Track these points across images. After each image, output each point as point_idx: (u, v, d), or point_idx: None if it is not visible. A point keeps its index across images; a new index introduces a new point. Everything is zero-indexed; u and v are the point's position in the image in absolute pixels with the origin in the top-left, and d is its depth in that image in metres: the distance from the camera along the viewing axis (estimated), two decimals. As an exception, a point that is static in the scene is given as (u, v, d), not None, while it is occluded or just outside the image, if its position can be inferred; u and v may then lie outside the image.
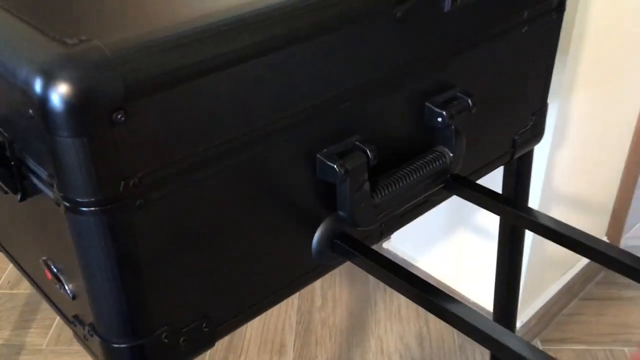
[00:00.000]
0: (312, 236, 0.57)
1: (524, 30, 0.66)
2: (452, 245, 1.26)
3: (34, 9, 0.46)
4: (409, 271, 0.55)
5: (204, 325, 0.51)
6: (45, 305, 1.35)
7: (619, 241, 1.46)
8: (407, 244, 1.36)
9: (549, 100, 0.97)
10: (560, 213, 1.16)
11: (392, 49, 0.55)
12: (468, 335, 0.52)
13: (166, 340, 0.49)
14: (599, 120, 1.13)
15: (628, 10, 1.02)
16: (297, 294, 1.38)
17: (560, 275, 1.30)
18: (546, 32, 0.70)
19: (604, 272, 1.42)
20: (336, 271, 1.41)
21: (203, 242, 0.49)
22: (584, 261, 1.34)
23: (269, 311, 1.34)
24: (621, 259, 0.59)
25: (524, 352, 0.48)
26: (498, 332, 0.50)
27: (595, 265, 1.38)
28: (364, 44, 0.53)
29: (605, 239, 1.40)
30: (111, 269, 0.44)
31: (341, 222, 0.57)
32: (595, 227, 1.36)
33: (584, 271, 1.34)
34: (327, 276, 1.41)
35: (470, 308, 0.52)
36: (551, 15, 0.69)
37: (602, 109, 1.12)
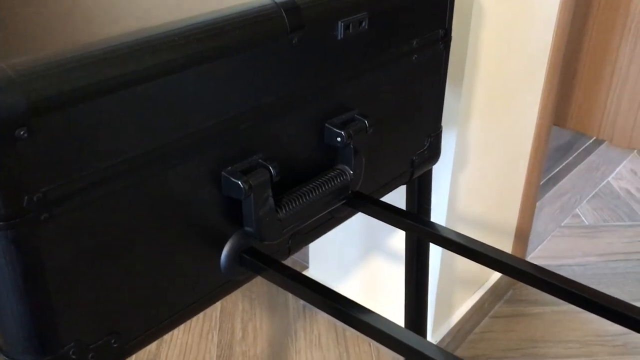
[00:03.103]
0: (221, 252, 0.59)
1: (414, 58, 0.72)
2: (366, 269, 1.30)
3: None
4: (317, 282, 0.58)
5: (113, 341, 0.52)
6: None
7: (524, 261, 1.55)
8: (323, 270, 1.39)
9: (448, 127, 1.04)
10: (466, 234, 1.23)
11: (290, 73, 0.59)
12: (383, 344, 0.53)
13: (74, 357, 0.49)
14: (496, 145, 1.21)
15: (516, 41, 1.12)
16: (217, 327, 1.37)
17: (470, 294, 1.36)
18: (435, 60, 0.76)
19: (511, 291, 1.50)
20: (256, 303, 1.43)
21: (109, 257, 0.50)
22: (492, 280, 1.41)
23: (188, 345, 1.33)
24: (523, 268, 0.62)
25: (438, 357, 0.50)
26: (413, 339, 0.52)
27: (503, 284, 1.45)
28: (262, 68, 0.56)
29: (510, 259, 1.48)
30: (17, 283, 0.45)
31: (248, 238, 0.60)
32: (499, 246, 1.43)
33: (492, 290, 1.41)
34: (246, 308, 1.42)
35: (384, 317, 0.54)
36: (439, 45, 0.75)
37: (498, 135, 1.20)
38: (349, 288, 1.36)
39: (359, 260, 1.31)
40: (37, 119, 0.42)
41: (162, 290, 0.55)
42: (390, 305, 1.28)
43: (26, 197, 0.43)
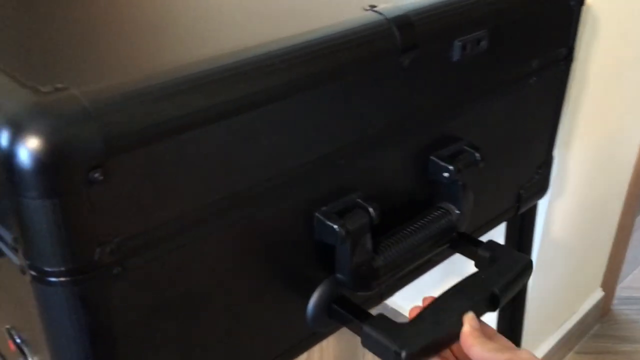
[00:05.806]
0: (307, 302, 0.52)
1: (532, 81, 0.63)
2: (444, 296, 1.21)
3: (8, 52, 0.41)
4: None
5: (185, 404, 0.46)
6: None
7: (613, 291, 1.42)
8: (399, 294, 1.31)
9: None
10: (557, 264, 1.12)
11: (397, 99, 0.51)
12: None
13: None
14: (594, 172, 1.10)
15: (627, 58, 1.00)
16: (282, 344, 1.31)
17: (556, 328, 1.25)
18: (554, 82, 0.66)
19: (599, 325, 1.37)
20: (323, 321, 1.36)
21: (187, 312, 0.43)
22: (579, 314, 1.30)
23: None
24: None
25: None
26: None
27: (590, 318, 1.33)
28: (367, 94, 0.48)
29: (600, 289, 1.36)
30: (82, 345, 0.38)
31: (339, 286, 0.52)
32: (590, 276, 1.32)
33: (579, 325, 1.29)
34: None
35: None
36: (560, 66, 0.66)
37: (598, 161, 1.09)
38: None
39: (436, 284, 1.22)
40: (114, 158, 0.35)
41: (242, 346, 0.48)
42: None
43: (98, 249, 0.36)
